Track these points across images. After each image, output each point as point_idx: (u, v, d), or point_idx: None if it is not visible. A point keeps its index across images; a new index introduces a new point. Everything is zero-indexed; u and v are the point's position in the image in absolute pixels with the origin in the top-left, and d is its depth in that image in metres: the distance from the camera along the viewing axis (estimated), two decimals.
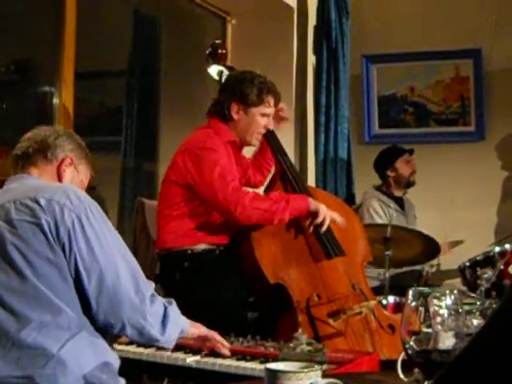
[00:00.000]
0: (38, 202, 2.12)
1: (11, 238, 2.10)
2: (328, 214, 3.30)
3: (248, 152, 3.77)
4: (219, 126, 3.46)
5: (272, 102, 3.49)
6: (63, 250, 2.10)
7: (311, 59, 5.59)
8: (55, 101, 4.16)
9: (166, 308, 2.25)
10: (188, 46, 5.49)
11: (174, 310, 2.28)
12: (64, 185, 2.32)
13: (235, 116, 3.45)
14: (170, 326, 2.23)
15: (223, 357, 2.43)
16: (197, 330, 2.45)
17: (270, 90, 3.47)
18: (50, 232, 2.09)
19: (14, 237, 2.10)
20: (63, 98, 4.14)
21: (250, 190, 3.53)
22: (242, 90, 3.44)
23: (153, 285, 2.28)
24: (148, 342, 2.28)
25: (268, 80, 3.52)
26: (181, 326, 2.32)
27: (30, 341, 2.05)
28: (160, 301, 2.25)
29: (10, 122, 4.14)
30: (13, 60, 4.09)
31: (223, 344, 2.49)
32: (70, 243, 2.10)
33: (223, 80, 3.68)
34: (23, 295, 2.07)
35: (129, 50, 5.42)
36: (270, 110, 3.50)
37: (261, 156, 3.72)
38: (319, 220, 3.28)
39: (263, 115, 3.47)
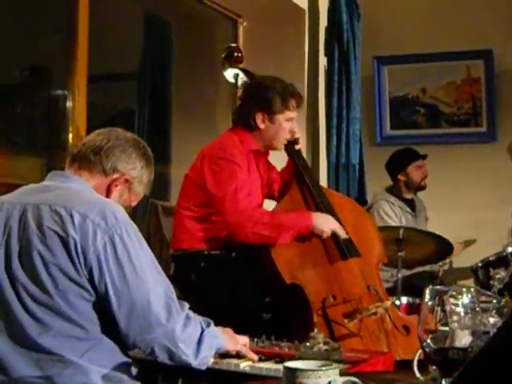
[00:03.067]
0: (71, 216, 2.07)
1: (39, 245, 2.07)
2: (330, 227, 3.30)
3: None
4: (244, 135, 3.44)
5: (295, 105, 3.45)
6: (90, 273, 2.05)
7: (322, 61, 5.60)
8: (68, 104, 4.19)
9: (202, 331, 2.20)
10: (199, 49, 5.51)
11: (210, 332, 2.23)
12: (103, 200, 2.22)
13: (261, 125, 3.42)
14: (205, 350, 2.19)
15: (238, 357, 2.43)
16: (234, 346, 2.37)
17: (292, 94, 3.44)
18: (76, 252, 2.04)
19: (42, 245, 2.06)
20: (76, 101, 4.16)
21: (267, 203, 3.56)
22: (266, 98, 3.40)
23: (187, 306, 2.23)
24: (180, 365, 2.20)
25: (288, 83, 3.49)
26: (217, 346, 2.27)
27: (48, 346, 2.05)
28: (195, 324, 2.20)
29: (24, 125, 4.18)
30: (28, 65, 4.12)
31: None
32: (100, 267, 2.05)
33: (239, 84, 3.67)
34: (43, 304, 2.06)
35: (140, 53, 5.44)
36: (295, 114, 3.46)
37: (287, 173, 3.67)
38: (323, 237, 3.30)
39: (288, 120, 3.44)
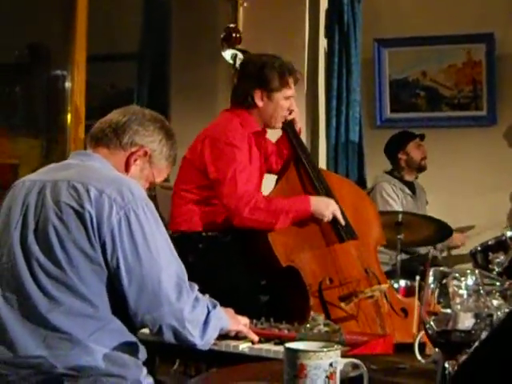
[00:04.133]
0: (88, 190, 2.06)
1: (55, 220, 2.06)
2: (331, 210, 3.29)
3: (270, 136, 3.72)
4: (245, 116, 3.40)
5: (293, 82, 3.44)
6: (103, 247, 2.04)
7: (323, 43, 5.56)
8: (67, 84, 4.17)
9: (208, 313, 2.19)
10: (199, 29, 5.47)
11: (216, 314, 2.23)
12: (121, 177, 2.21)
13: (260, 103, 3.39)
14: (210, 331, 2.19)
15: (238, 338, 2.42)
16: (235, 326, 2.38)
17: (290, 72, 3.42)
18: (92, 226, 2.04)
19: (58, 220, 2.06)
20: (75, 81, 4.14)
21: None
22: (264, 75, 3.37)
23: (196, 287, 2.22)
24: (184, 345, 2.19)
25: (286, 61, 3.47)
26: (220, 327, 2.27)
27: (57, 324, 2.04)
28: (203, 305, 2.19)
29: (23, 105, 4.16)
30: (27, 44, 4.10)
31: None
32: (114, 242, 2.04)
33: (238, 64, 3.65)
34: (56, 279, 2.05)
35: (140, 33, 5.42)
36: (292, 92, 3.44)
37: (283, 144, 3.65)
38: (325, 220, 3.29)
39: (286, 98, 3.42)
